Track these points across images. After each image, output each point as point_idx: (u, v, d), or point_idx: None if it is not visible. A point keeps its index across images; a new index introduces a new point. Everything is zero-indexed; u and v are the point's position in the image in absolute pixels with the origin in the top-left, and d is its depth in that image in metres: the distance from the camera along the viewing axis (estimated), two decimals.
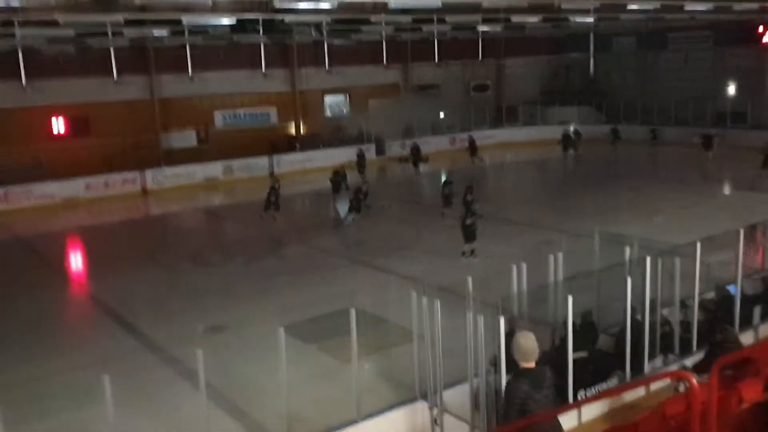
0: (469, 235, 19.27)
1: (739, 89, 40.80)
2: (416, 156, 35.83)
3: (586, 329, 10.69)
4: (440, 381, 9.10)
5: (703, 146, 34.04)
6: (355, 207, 24.10)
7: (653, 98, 41.99)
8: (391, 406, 9.45)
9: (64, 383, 12.72)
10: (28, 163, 32.56)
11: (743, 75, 40.68)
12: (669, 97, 41.28)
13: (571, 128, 39.61)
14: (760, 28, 39.25)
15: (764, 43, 39.66)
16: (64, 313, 18.13)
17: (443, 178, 25.70)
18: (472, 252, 19.15)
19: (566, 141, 38.37)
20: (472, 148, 38.31)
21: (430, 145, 41.06)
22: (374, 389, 10.76)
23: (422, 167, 36.38)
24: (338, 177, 28.41)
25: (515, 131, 44.83)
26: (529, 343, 6.54)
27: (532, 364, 6.52)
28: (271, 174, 36.60)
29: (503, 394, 6.98)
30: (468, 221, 19.35)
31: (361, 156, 34.23)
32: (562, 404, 8.87)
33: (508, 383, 6.93)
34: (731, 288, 11.78)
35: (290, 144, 39.68)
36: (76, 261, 24.48)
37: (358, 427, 8.97)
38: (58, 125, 34.17)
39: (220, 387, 11.58)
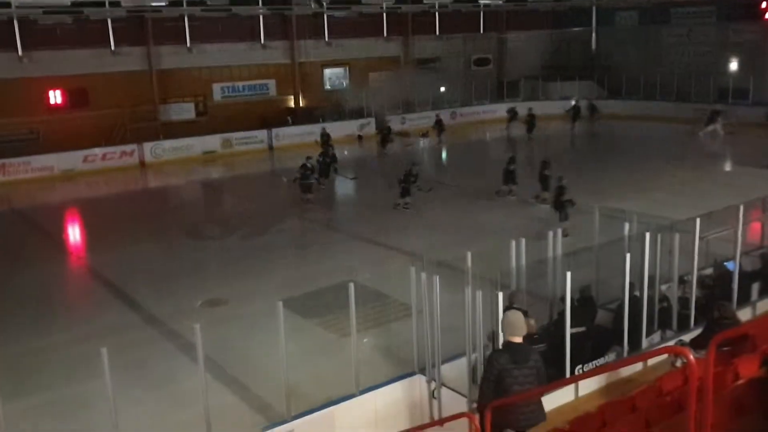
0: (565, 212, 18.40)
1: (741, 65, 40.56)
2: (386, 135, 35.13)
3: (584, 304, 10.72)
4: (438, 355, 9.13)
5: (708, 121, 33.88)
6: (406, 191, 22.40)
7: (655, 73, 41.72)
8: (389, 380, 9.50)
9: (63, 356, 12.79)
10: (25, 135, 32.50)
11: (746, 51, 40.40)
12: (671, 73, 41.06)
13: (520, 108, 39.22)
14: (764, 4, 38.88)
15: (767, 19, 39.35)
16: (63, 285, 18.16)
17: (509, 155, 24.11)
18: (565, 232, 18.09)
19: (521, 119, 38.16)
20: (440, 127, 37.73)
21: (430, 119, 40.93)
22: (373, 363, 10.81)
23: (394, 145, 35.67)
24: (327, 158, 27.37)
25: (516, 106, 44.56)
26: (517, 318, 6.63)
27: (517, 339, 6.57)
28: (270, 148, 36.53)
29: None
30: (566, 196, 18.52)
31: (324, 135, 30.98)
32: (560, 379, 8.92)
33: (490, 354, 7.01)
34: (729, 264, 11.80)
35: (283, 118, 39.11)
36: (74, 233, 24.47)
37: (357, 401, 9.03)
38: (55, 97, 33.94)
39: (219, 361, 11.64)
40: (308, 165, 24.19)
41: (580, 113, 39.38)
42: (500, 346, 8.57)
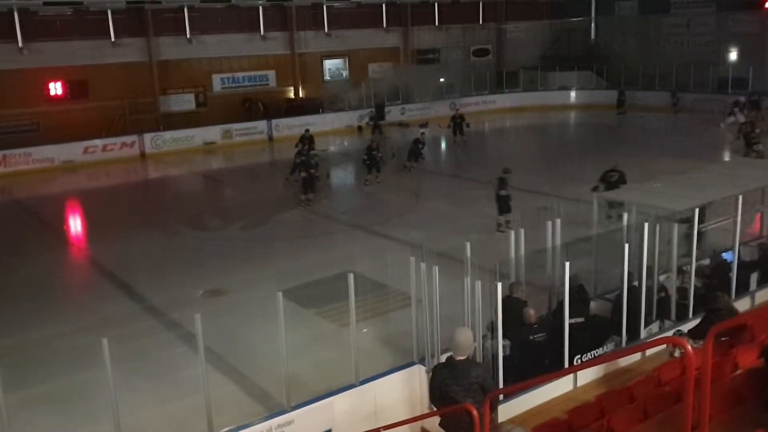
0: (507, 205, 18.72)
1: (740, 55, 40.49)
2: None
3: (577, 293, 10.72)
4: (438, 345, 9.16)
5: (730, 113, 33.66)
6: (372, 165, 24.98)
7: (654, 63, 41.66)
8: (389, 370, 9.52)
9: (64, 346, 12.81)
10: (25, 126, 32.49)
11: (745, 40, 40.32)
12: (670, 63, 40.99)
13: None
14: None
15: (767, 8, 39.26)
16: (64, 276, 18.20)
17: None
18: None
19: None
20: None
21: (430, 110, 40.93)
22: (372, 353, 10.85)
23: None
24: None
25: (515, 96, 44.58)
26: (461, 340, 6.97)
27: (460, 358, 6.96)
28: (270, 139, 36.35)
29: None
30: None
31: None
32: (558, 369, 8.96)
33: (433, 367, 7.63)
34: (727, 255, 11.82)
35: (255, 111, 38.51)
36: (75, 224, 24.49)
37: (356, 391, 9.06)
38: (56, 88, 33.90)
39: (219, 350, 11.68)
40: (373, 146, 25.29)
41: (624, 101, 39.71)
42: (501, 334, 8.68)
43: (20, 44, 32.35)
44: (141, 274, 16.84)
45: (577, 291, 10.73)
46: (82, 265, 19.26)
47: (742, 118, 32.06)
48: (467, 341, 7.01)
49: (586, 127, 39.09)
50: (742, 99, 34.92)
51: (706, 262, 12.19)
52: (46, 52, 32.95)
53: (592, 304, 11.06)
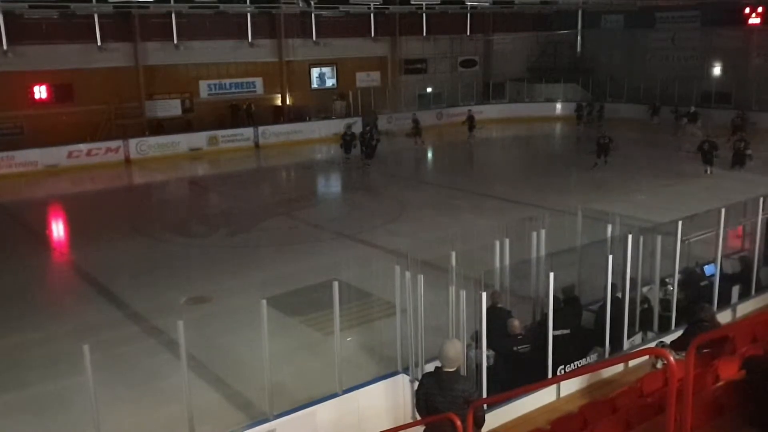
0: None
1: (724, 69, 40.98)
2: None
3: (569, 304, 10.75)
4: (422, 354, 9.15)
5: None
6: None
7: (639, 77, 42.04)
8: (372, 379, 9.50)
9: (45, 353, 12.70)
10: (9, 130, 32.27)
11: (729, 55, 40.83)
12: (655, 76, 41.35)
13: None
14: (747, 9, 39.37)
15: (750, 24, 39.78)
16: (46, 281, 18.04)
17: None
18: None
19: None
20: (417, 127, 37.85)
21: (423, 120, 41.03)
22: (356, 362, 10.83)
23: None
24: None
25: (502, 107, 44.79)
26: (450, 352, 6.94)
27: (447, 370, 6.92)
28: (257, 145, 36.26)
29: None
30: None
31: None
32: (541, 379, 8.98)
33: (422, 375, 7.63)
34: (709, 268, 11.88)
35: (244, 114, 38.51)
36: (58, 229, 24.31)
37: (340, 400, 9.02)
38: (40, 92, 33.67)
39: (202, 358, 11.62)
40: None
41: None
42: (485, 344, 8.70)
43: (5, 47, 32.14)
44: (124, 280, 16.72)
45: (571, 301, 10.77)
46: (65, 270, 19.11)
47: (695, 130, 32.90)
48: (456, 354, 6.97)
49: (571, 139, 39.28)
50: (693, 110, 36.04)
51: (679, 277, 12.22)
52: (31, 55, 32.73)
53: None
